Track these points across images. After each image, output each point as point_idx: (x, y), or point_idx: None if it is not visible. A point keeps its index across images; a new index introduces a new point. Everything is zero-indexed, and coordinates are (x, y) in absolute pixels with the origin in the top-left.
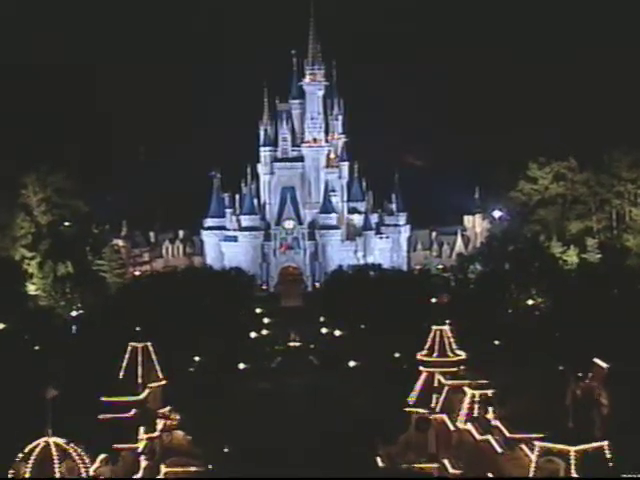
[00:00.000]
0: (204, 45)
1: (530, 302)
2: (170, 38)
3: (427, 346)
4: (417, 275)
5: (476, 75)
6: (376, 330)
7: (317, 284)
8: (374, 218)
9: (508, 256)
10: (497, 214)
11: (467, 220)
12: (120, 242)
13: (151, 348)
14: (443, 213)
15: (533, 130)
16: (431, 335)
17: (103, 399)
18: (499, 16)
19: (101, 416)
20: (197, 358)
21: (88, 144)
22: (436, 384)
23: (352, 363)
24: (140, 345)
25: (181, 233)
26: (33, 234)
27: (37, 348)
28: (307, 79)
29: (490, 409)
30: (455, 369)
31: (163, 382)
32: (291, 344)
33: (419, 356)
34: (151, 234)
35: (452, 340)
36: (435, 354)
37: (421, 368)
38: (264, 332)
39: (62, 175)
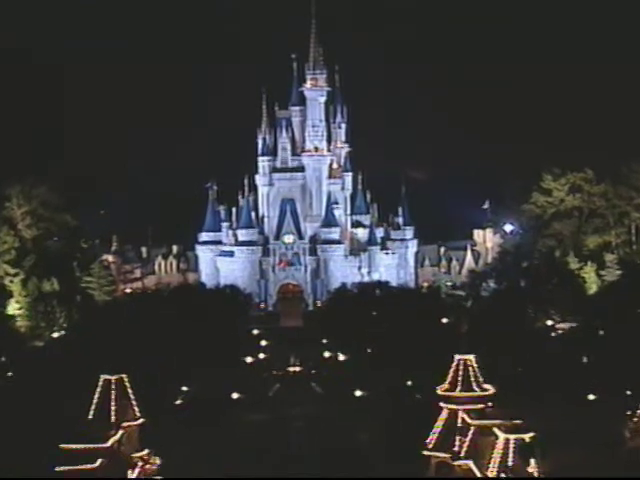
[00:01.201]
0: (200, 46)
1: (549, 322)
2: (166, 40)
3: (449, 379)
4: (427, 293)
5: (487, 82)
6: (384, 354)
7: (319, 303)
8: (379, 232)
9: (523, 273)
10: (508, 228)
11: (477, 234)
12: (110, 257)
13: (127, 381)
14: (452, 227)
15: (547, 139)
16: (453, 366)
17: (62, 447)
18: (514, 21)
19: (59, 468)
20: (185, 388)
21: (77, 154)
22: (460, 424)
23: (358, 392)
24: (114, 377)
25: (175, 248)
26: (17, 249)
27: (10, 374)
28: (308, 84)
29: (532, 461)
30: (482, 406)
31: (140, 421)
32: (291, 369)
33: (440, 391)
34: (143, 249)
35: (478, 372)
36: (458, 388)
37: (442, 404)
38: (261, 356)
39: (48, 187)
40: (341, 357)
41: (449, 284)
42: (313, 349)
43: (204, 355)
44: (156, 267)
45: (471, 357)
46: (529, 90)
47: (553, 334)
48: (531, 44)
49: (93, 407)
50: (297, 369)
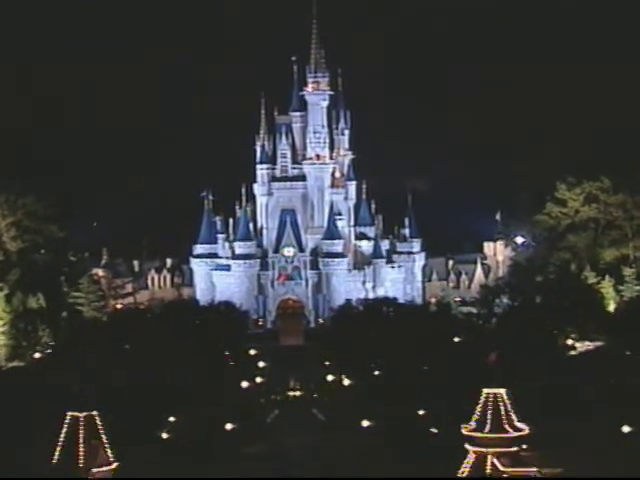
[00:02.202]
0: (197, 46)
1: (569, 342)
2: (166, 40)
3: (475, 416)
4: (438, 311)
5: (498, 86)
6: (394, 378)
7: (320, 320)
8: (385, 245)
9: (538, 288)
10: (519, 240)
11: (487, 247)
12: (100, 271)
13: (98, 418)
14: (461, 239)
15: (561, 147)
16: (481, 401)
17: None
18: (526, 22)
19: None
20: (172, 419)
21: (65, 162)
22: (489, 470)
23: (365, 423)
24: (82, 415)
25: (169, 261)
26: (1, 262)
27: None
28: (309, 88)
29: None
30: (516, 449)
31: (114, 465)
32: (290, 393)
33: (465, 431)
34: (135, 263)
35: (510, 408)
36: (487, 428)
37: (468, 447)
38: (258, 380)
39: (35, 197)
40: (346, 381)
41: (457, 299)
42: (315, 371)
43: (195, 380)
44: (149, 281)
45: (502, 391)
46: (543, 95)
47: (572, 352)
48: (545, 46)
49: (58, 449)
50: (297, 393)
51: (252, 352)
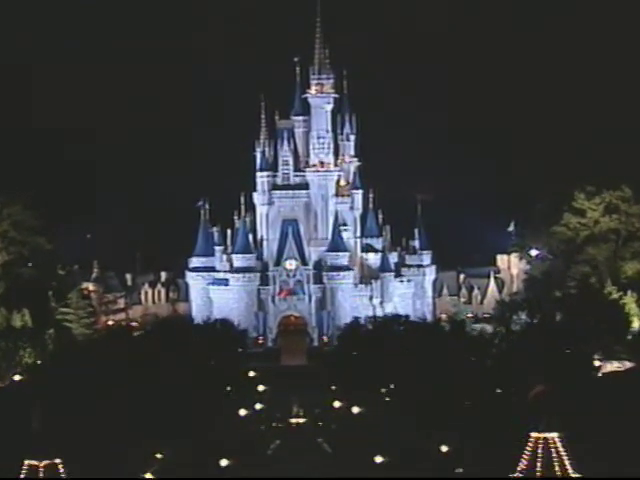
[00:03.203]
0: (192, 43)
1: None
2: (165, 40)
3: (522, 464)
4: (452, 329)
5: (513, 92)
6: (409, 406)
7: (325, 337)
8: (393, 257)
9: (557, 304)
10: (534, 252)
11: (501, 260)
12: (90, 286)
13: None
14: (472, 252)
15: (579, 154)
16: (529, 447)
17: None
18: (543, 29)
19: None
20: (159, 455)
21: (55, 170)
22: None
23: (379, 459)
24: (42, 464)
25: (163, 275)
26: None
27: None
28: (313, 90)
29: None
30: None
31: None
32: (293, 420)
33: None
34: (128, 276)
35: (564, 455)
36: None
37: None
38: (258, 406)
39: (22, 206)
40: (355, 409)
41: (469, 316)
42: (319, 395)
43: (186, 409)
44: (142, 296)
45: (555, 436)
46: (561, 101)
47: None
48: (560, 54)
49: None
50: (301, 420)
51: (251, 374)
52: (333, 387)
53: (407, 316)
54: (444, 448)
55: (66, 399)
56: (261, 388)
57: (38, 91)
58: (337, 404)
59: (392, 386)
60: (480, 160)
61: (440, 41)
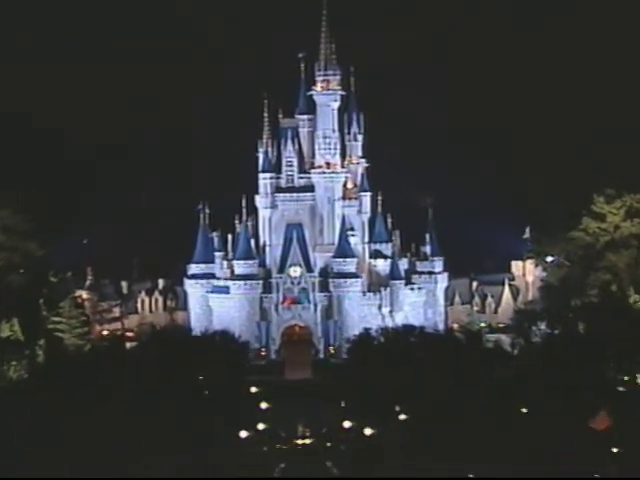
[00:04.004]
0: (192, 41)
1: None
2: (164, 40)
3: None
4: (467, 340)
5: (529, 93)
6: (426, 426)
7: (331, 349)
8: (403, 264)
9: (579, 313)
10: (549, 258)
11: (515, 266)
12: (84, 294)
13: None
14: (486, 258)
15: (599, 156)
16: None
17: None
18: (542, 33)
19: None
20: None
21: (47, 174)
22: None
23: None
24: None
25: (161, 282)
26: None
27: None
28: (318, 87)
29: None
30: None
31: None
32: (299, 441)
33: None
34: (123, 284)
35: None
36: None
37: None
38: (260, 427)
39: (12, 210)
40: (368, 431)
41: (483, 325)
42: (327, 412)
43: (182, 432)
44: (139, 305)
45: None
46: (560, 101)
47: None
48: (560, 54)
49: None
50: (307, 441)
51: (253, 389)
52: (342, 403)
53: (422, 327)
54: (470, 475)
55: (55, 416)
56: (264, 405)
57: (38, 91)
58: (347, 424)
59: (407, 403)
60: (499, 162)
61: (440, 41)
